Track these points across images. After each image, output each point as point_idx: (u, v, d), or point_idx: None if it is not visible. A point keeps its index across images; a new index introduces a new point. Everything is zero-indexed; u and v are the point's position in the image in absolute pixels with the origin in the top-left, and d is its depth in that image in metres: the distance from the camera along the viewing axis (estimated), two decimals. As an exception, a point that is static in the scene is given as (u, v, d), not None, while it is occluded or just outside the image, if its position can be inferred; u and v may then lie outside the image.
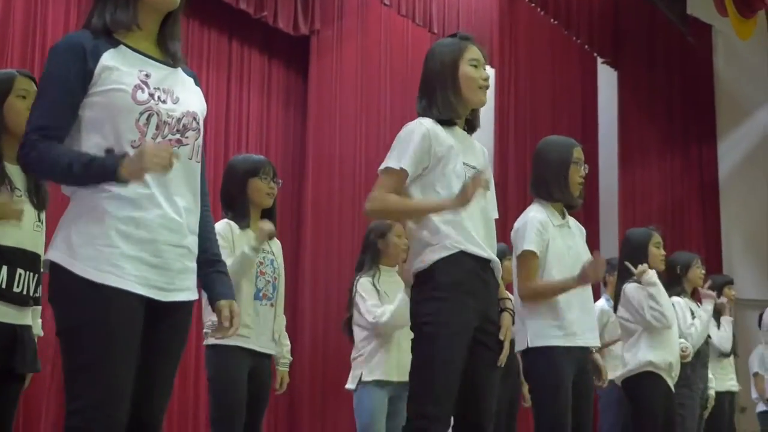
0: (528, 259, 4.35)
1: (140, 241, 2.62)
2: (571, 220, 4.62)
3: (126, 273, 2.58)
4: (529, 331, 4.33)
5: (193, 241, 2.79)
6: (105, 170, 2.56)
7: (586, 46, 10.70)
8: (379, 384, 5.16)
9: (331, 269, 8.10)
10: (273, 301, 4.57)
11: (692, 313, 6.37)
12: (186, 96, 2.80)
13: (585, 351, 4.45)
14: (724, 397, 7.06)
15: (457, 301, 3.40)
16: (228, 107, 8.04)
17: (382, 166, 3.56)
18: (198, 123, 2.80)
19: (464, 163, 3.57)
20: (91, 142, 2.63)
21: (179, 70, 2.84)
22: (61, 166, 2.57)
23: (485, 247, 3.53)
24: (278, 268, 4.66)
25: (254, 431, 4.52)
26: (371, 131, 8.57)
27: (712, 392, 6.83)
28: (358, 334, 5.26)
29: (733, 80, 12.03)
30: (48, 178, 3.01)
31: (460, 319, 3.39)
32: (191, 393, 7.36)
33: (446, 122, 3.60)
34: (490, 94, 9.61)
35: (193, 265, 2.79)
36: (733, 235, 11.70)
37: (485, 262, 3.53)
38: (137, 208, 2.63)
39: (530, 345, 4.32)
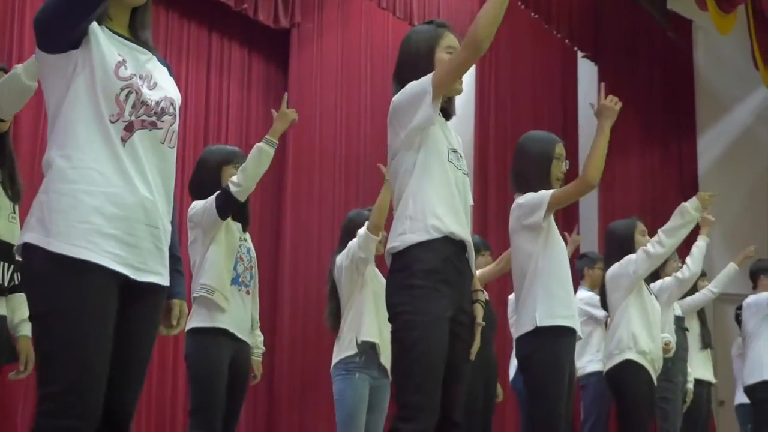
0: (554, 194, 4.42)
1: (114, 218, 2.59)
2: None
3: (101, 249, 2.55)
4: (539, 309, 4.32)
5: (166, 224, 2.77)
6: None
7: (567, 41, 10.72)
8: (361, 372, 5.18)
9: (310, 261, 8.09)
10: (250, 288, 4.60)
11: None
12: (164, 82, 2.81)
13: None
14: (701, 388, 7.09)
15: (432, 288, 3.34)
16: (207, 100, 8.00)
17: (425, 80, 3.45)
18: (175, 109, 2.80)
19: (449, 147, 3.52)
20: (79, 108, 2.62)
21: (155, 57, 2.85)
22: None
23: (464, 232, 3.48)
24: (254, 257, 4.68)
25: (233, 418, 4.53)
26: (352, 124, 8.56)
27: (690, 386, 6.86)
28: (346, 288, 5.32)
29: (713, 75, 12.07)
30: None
31: (436, 306, 3.34)
32: (169, 382, 7.34)
33: None
34: (471, 87, 9.71)
35: (166, 248, 2.77)
36: (712, 230, 11.68)
37: (462, 250, 3.48)
38: (112, 185, 2.61)
39: (539, 324, 4.31)
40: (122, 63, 2.67)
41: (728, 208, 11.84)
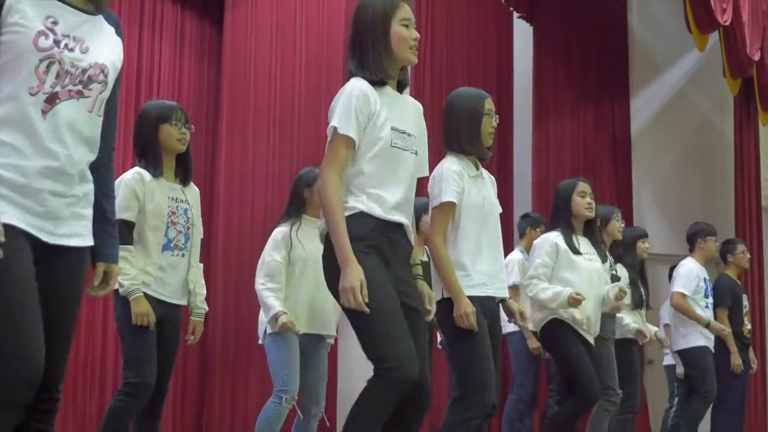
0: (445, 210, 4.42)
1: (21, 188, 2.59)
2: (484, 172, 4.66)
3: (8, 213, 2.54)
4: (442, 281, 4.41)
5: (86, 189, 2.75)
6: None
7: (503, 1, 10.71)
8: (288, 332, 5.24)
9: (244, 220, 8.04)
10: (185, 251, 4.56)
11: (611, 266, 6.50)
12: (98, 47, 2.75)
13: (495, 301, 4.56)
14: (635, 347, 7.21)
15: (360, 252, 3.39)
16: (140, 58, 7.90)
17: (333, 127, 3.50)
18: (106, 76, 2.75)
19: (392, 128, 3.56)
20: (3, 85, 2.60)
21: (99, 18, 2.79)
22: None
23: (398, 212, 3.56)
24: (192, 218, 4.63)
25: (163, 382, 4.51)
26: (286, 82, 8.47)
27: (635, 326, 6.97)
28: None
29: (647, 37, 12.15)
30: None
31: (368, 264, 3.39)
32: (99, 341, 7.32)
33: (378, 83, 3.58)
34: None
35: (87, 211, 2.76)
36: (643, 190, 11.88)
37: (394, 225, 3.55)
38: (21, 156, 2.60)
39: (444, 296, 4.39)
40: (45, 31, 2.62)
41: (659, 170, 12.00)
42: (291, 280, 5.34)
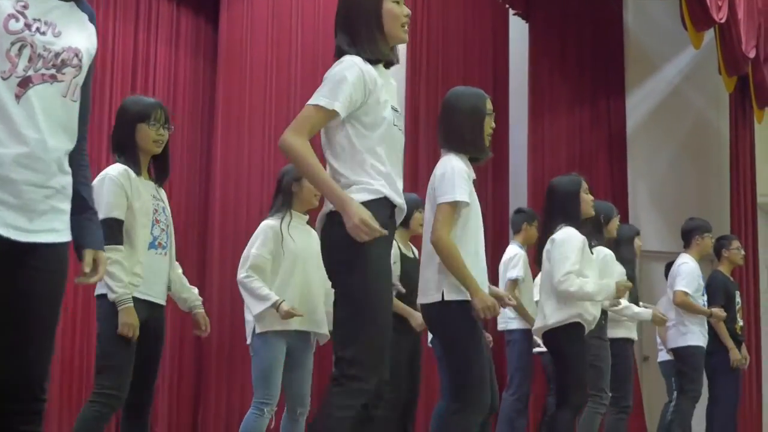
0: (456, 209, 4.33)
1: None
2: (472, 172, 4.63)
3: None
4: (446, 282, 4.31)
5: (64, 181, 2.69)
6: None
7: (498, -2, 10.71)
8: (276, 334, 5.19)
9: (239, 220, 8.04)
10: (167, 250, 4.50)
11: None
12: (71, 32, 2.70)
13: None
14: (628, 346, 7.22)
15: (385, 246, 3.40)
16: (135, 55, 7.88)
17: (312, 101, 3.44)
18: (80, 60, 2.70)
19: (392, 107, 3.54)
20: None
21: (72, 5, 2.74)
22: None
23: (401, 195, 3.54)
24: (169, 216, 4.56)
25: (151, 383, 4.47)
26: (282, 79, 8.47)
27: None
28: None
29: (642, 34, 12.15)
30: None
31: (386, 266, 3.42)
32: (77, 344, 7.30)
33: (373, 62, 3.54)
34: (402, 46, 9.62)
35: (65, 205, 2.70)
36: (639, 187, 11.88)
37: (394, 210, 3.54)
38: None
39: (446, 298, 4.31)
40: (15, 14, 2.57)
41: (655, 167, 12.00)
42: (281, 276, 5.26)
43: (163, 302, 4.52)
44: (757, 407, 10.71)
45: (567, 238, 5.62)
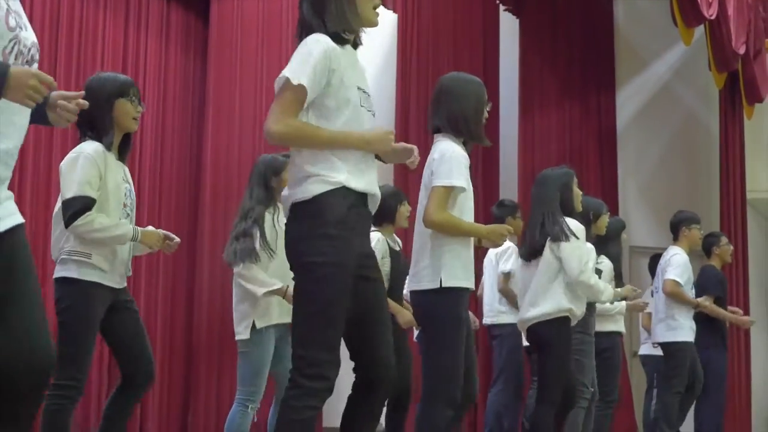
0: (452, 193, 4.29)
1: None
2: None
3: None
4: (444, 270, 4.29)
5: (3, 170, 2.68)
6: None
7: (489, -7, 10.71)
8: (270, 329, 5.18)
9: (230, 218, 7.96)
10: None
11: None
12: (28, 23, 2.70)
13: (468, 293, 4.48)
14: (616, 340, 7.23)
15: (346, 239, 3.29)
16: (125, 51, 7.84)
17: (280, 79, 3.36)
18: (38, 52, 2.71)
19: (359, 88, 3.45)
20: None
21: None
22: None
23: (370, 181, 3.44)
24: (134, 199, 4.48)
25: (150, 357, 4.44)
26: (272, 74, 8.38)
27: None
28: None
29: (633, 30, 12.18)
30: None
31: (349, 258, 3.30)
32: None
33: (339, 39, 3.43)
34: (394, 38, 9.65)
35: (7, 191, 2.70)
36: (629, 182, 11.92)
37: (365, 196, 3.44)
38: None
39: (444, 285, 4.28)
40: (8, 11, 2.56)
41: (645, 162, 12.04)
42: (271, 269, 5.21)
43: (124, 284, 4.38)
44: (746, 401, 10.74)
45: (577, 230, 5.60)
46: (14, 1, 2.63)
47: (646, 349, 9.14)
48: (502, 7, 10.95)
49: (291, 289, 4.90)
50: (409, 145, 3.66)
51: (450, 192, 4.28)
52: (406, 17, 9.77)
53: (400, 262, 5.94)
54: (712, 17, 8.84)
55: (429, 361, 4.39)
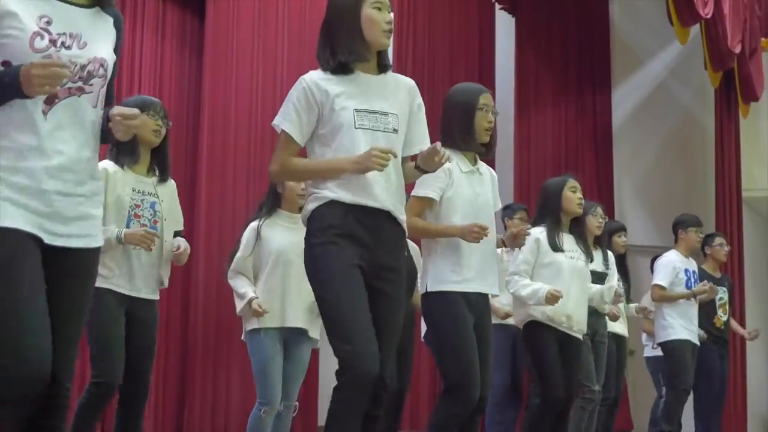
0: (423, 203, 4.43)
1: (27, 189, 2.60)
2: (483, 167, 4.66)
3: (12, 215, 2.57)
4: (429, 274, 4.42)
5: (93, 187, 2.78)
6: (3, 87, 2.55)
7: (485, -8, 10.70)
8: (267, 331, 5.20)
9: (225, 215, 8.02)
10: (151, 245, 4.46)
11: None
12: (96, 41, 2.76)
13: (483, 297, 4.51)
14: (618, 342, 7.24)
15: (329, 243, 3.45)
16: (121, 50, 7.82)
17: (275, 124, 3.67)
18: (105, 70, 2.77)
19: (356, 110, 3.53)
20: None
21: (96, 10, 2.80)
22: None
23: (374, 195, 3.52)
24: (162, 211, 4.57)
25: (145, 376, 4.54)
26: (268, 72, 8.45)
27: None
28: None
29: (628, 29, 12.17)
30: None
31: (336, 258, 3.44)
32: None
33: (344, 69, 3.55)
34: (389, 38, 9.62)
35: (96, 210, 2.79)
36: (625, 181, 11.91)
37: (372, 210, 3.52)
38: (22, 158, 2.61)
39: (429, 289, 4.41)
40: (40, 32, 2.62)
41: (641, 161, 12.03)
42: (263, 275, 5.28)
43: (149, 296, 4.55)
44: (742, 403, 10.75)
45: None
46: (62, 22, 2.68)
47: (648, 351, 9.16)
48: (497, 6, 10.94)
49: (255, 302, 5.06)
50: (429, 146, 3.69)
51: (421, 202, 4.44)
52: (402, 17, 9.75)
53: (408, 266, 5.95)
54: (708, 16, 8.84)
55: (438, 363, 4.55)
